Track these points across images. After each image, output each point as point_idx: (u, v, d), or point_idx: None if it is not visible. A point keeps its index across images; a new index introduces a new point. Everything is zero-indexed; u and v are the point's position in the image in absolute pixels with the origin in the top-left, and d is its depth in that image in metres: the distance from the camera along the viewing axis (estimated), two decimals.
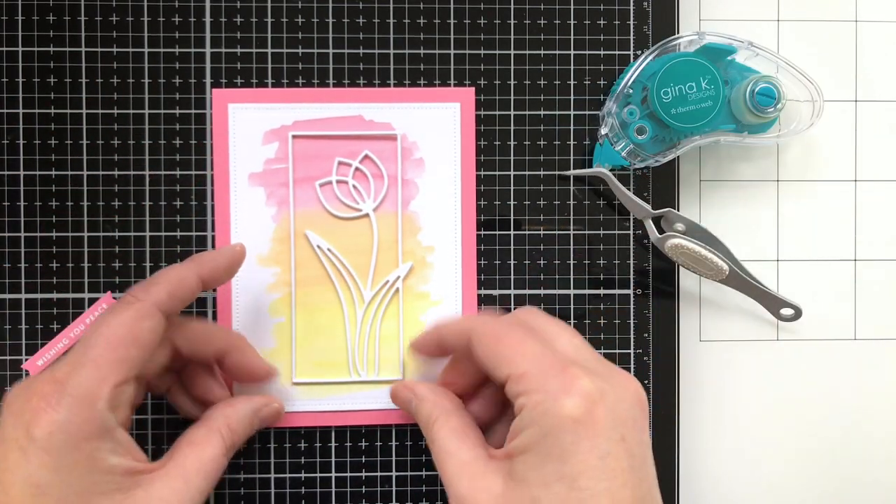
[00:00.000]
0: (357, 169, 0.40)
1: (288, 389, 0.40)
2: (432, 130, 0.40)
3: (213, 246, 0.40)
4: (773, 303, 0.42)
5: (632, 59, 0.41)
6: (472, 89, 0.41)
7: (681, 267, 0.41)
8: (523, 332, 0.32)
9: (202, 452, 0.34)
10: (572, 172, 0.41)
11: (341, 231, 0.40)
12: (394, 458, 0.41)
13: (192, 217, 0.40)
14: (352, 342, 0.40)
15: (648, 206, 0.40)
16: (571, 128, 0.41)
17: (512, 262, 0.41)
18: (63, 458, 0.29)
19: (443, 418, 0.34)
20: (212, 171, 0.40)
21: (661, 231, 0.40)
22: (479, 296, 0.41)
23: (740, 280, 0.41)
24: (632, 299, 0.42)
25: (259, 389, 0.40)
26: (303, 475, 0.40)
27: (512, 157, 0.41)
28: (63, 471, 0.29)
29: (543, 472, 0.28)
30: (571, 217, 0.41)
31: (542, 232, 0.41)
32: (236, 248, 0.36)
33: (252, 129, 0.40)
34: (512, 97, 0.41)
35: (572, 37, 0.41)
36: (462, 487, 0.31)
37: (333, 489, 0.40)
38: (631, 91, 0.39)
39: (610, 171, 0.40)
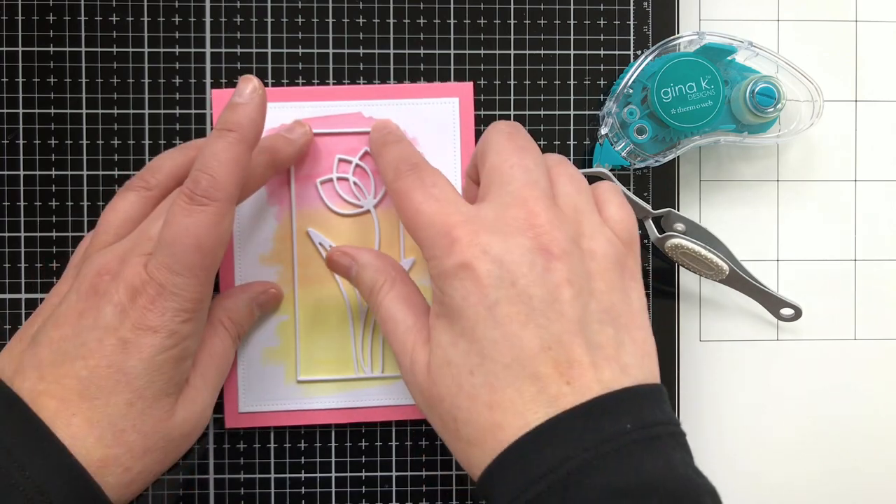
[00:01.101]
0: (358, 166, 0.40)
1: (293, 388, 0.40)
2: (431, 126, 0.40)
3: None
4: (773, 303, 0.42)
5: (632, 59, 0.41)
6: (471, 84, 0.41)
7: (681, 267, 0.41)
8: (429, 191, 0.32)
9: (212, 348, 0.35)
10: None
11: (343, 228, 0.40)
12: (394, 458, 0.41)
13: None
14: (356, 339, 0.40)
15: (648, 206, 0.40)
16: (571, 128, 0.41)
17: None
18: (155, 358, 0.31)
19: (388, 285, 0.34)
20: None
21: (661, 231, 0.40)
22: None
23: (740, 280, 0.41)
24: None
25: (264, 387, 0.40)
26: (303, 475, 0.40)
27: None
28: (151, 369, 0.31)
29: (451, 333, 0.29)
30: None
31: None
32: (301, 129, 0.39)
33: None
34: (512, 97, 0.41)
35: (572, 37, 0.41)
36: (406, 355, 0.32)
37: (333, 489, 0.40)
38: (631, 91, 0.39)
39: (610, 171, 0.40)
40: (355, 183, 0.40)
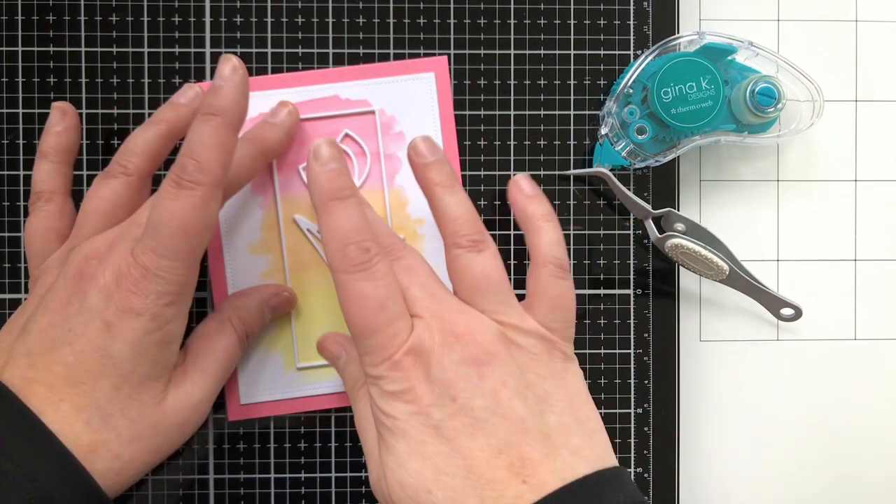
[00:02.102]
0: None
1: (294, 375, 0.40)
2: (409, 103, 0.40)
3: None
4: (773, 303, 0.42)
5: (632, 59, 0.41)
6: (445, 58, 0.41)
7: (681, 267, 0.41)
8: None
9: (216, 344, 0.36)
10: (572, 172, 0.41)
11: None
12: None
13: None
14: None
15: (649, 206, 0.40)
16: (571, 128, 0.41)
17: (512, 262, 0.41)
18: (140, 342, 0.31)
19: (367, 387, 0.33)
20: None
21: (661, 231, 0.40)
22: None
23: (740, 280, 0.41)
24: (632, 299, 0.42)
25: (264, 377, 0.40)
26: (303, 475, 0.40)
27: (512, 157, 0.41)
28: (136, 352, 0.31)
29: (398, 454, 0.29)
30: (571, 217, 0.41)
31: None
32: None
33: None
34: (512, 97, 0.41)
35: (572, 37, 0.41)
36: (373, 469, 0.31)
37: (333, 489, 0.40)
38: (631, 91, 0.39)
39: (610, 171, 0.40)
40: None
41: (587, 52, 0.41)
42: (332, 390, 0.40)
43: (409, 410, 0.29)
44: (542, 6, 0.41)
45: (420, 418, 0.29)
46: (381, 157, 0.40)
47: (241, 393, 0.40)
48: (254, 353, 0.40)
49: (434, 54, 0.41)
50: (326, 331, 0.39)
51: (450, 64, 0.41)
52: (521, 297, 0.33)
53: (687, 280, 0.43)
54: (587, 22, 0.41)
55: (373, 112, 0.40)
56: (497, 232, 0.41)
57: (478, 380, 0.29)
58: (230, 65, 0.32)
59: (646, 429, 0.41)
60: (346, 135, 0.40)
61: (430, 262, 0.36)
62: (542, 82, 0.41)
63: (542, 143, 0.41)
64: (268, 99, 0.40)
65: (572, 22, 0.41)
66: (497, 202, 0.41)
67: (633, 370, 0.41)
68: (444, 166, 0.33)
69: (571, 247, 0.41)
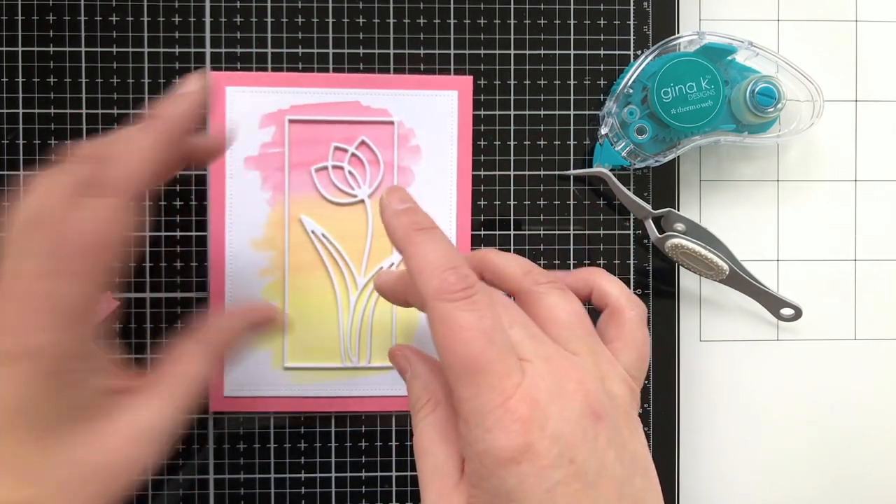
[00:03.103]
0: (353, 155, 0.40)
1: (279, 374, 0.40)
2: (429, 118, 0.40)
3: (208, 229, 0.40)
4: (773, 303, 0.42)
5: (632, 59, 0.41)
6: (471, 78, 0.41)
7: (681, 267, 0.41)
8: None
9: (186, 369, 0.31)
10: (572, 172, 0.41)
11: (336, 217, 0.40)
12: (394, 458, 0.41)
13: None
14: (344, 328, 0.40)
15: (649, 206, 0.40)
16: (571, 128, 0.41)
17: None
18: (48, 379, 0.27)
19: (429, 406, 0.31)
20: None
21: (660, 231, 0.40)
22: None
23: (740, 280, 0.41)
24: None
25: (249, 372, 0.40)
26: (303, 475, 0.40)
27: (512, 157, 0.41)
28: (50, 391, 0.27)
29: None
30: (571, 217, 0.41)
31: (542, 232, 0.41)
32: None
33: (249, 113, 0.40)
34: (512, 97, 0.41)
35: (572, 37, 0.41)
36: (431, 494, 0.28)
37: (333, 489, 0.40)
38: (631, 91, 0.39)
39: (610, 171, 0.40)
40: (350, 172, 0.40)
41: (587, 52, 0.41)
42: (318, 394, 0.40)
43: (526, 472, 0.25)
44: (542, 6, 0.41)
45: (534, 480, 0.25)
46: (395, 169, 0.40)
47: (225, 385, 0.40)
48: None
49: (434, 54, 0.41)
50: (319, 333, 0.39)
51: (450, 64, 0.41)
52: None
53: (687, 280, 0.43)
54: (587, 22, 0.41)
55: (392, 122, 0.40)
56: (497, 232, 0.41)
57: (593, 438, 0.26)
58: (201, 81, 0.30)
59: (646, 429, 0.41)
60: (363, 142, 0.40)
61: None
62: (542, 82, 0.41)
63: (542, 143, 0.41)
64: (290, 95, 0.40)
65: (572, 22, 0.41)
66: (496, 202, 0.41)
67: None
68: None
69: (571, 247, 0.41)
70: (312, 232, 0.40)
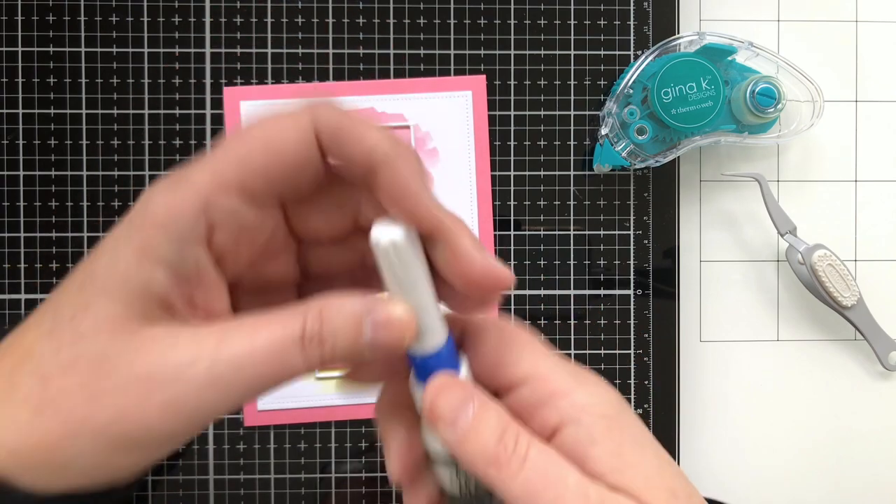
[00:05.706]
0: None
1: (312, 385, 0.40)
2: (445, 120, 0.40)
3: None
4: (885, 345, 0.41)
5: (632, 60, 0.41)
6: (483, 77, 0.41)
7: (811, 289, 0.41)
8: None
9: (263, 332, 0.21)
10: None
11: None
12: None
13: None
14: None
15: (791, 219, 0.40)
16: (571, 128, 0.41)
17: (512, 262, 0.41)
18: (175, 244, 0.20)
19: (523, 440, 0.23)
20: None
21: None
22: None
23: (863, 314, 0.40)
24: (632, 299, 0.42)
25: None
26: (303, 475, 0.40)
27: (512, 158, 0.41)
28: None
29: None
30: (571, 217, 0.41)
31: (542, 232, 0.41)
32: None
33: None
34: (512, 97, 0.41)
35: (572, 37, 0.41)
36: None
37: (333, 489, 0.40)
38: (631, 91, 0.39)
39: (610, 171, 0.40)
40: None
41: (587, 52, 0.41)
42: (349, 402, 0.40)
43: None
44: (542, 6, 0.41)
45: None
46: None
47: (258, 400, 0.40)
48: None
49: (434, 55, 0.41)
50: None
51: (450, 64, 0.41)
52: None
53: (687, 280, 0.43)
54: (587, 22, 0.41)
55: (408, 127, 0.40)
56: (497, 232, 0.41)
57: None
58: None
59: None
60: None
61: None
62: (542, 83, 0.41)
63: (542, 143, 0.41)
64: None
65: (572, 22, 0.41)
66: (497, 202, 0.41)
67: (633, 370, 0.41)
68: None
69: (571, 247, 0.41)
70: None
